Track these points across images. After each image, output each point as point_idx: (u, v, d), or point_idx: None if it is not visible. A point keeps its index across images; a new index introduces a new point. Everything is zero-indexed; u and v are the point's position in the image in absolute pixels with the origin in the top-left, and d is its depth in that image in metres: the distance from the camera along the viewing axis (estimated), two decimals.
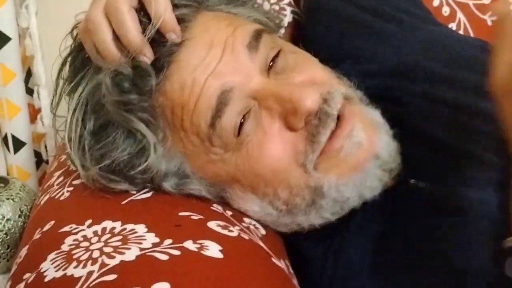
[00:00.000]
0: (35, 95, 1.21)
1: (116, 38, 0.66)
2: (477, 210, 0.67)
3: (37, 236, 0.66)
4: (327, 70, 0.74)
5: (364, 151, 0.68)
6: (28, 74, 1.23)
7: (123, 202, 0.68)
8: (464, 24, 1.04)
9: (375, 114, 0.72)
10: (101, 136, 0.68)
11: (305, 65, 0.72)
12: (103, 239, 0.60)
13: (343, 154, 0.67)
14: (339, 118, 0.68)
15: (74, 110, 0.69)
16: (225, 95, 0.65)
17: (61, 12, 0.91)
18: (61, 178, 0.78)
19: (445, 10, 1.03)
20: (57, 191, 0.75)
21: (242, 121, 0.66)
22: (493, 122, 0.70)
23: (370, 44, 0.85)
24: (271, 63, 0.69)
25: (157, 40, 0.66)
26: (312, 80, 0.70)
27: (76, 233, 0.62)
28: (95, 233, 0.61)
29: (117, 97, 0.66)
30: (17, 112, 1.19)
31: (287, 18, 1.01)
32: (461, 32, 1.04)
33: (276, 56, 0.69)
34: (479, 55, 0.81)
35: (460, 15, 1.04)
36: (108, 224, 0.63)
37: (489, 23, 1.03)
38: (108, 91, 0.66)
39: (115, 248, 0.58)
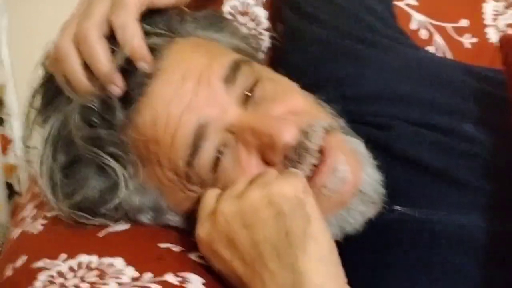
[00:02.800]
0: (7, 125, 1.18)
1: (86, 67, 0.64)
2: (462, 236, 0.66)
3: (9, 272, 0.64)
4: (308, 98, 0.72)
5: (348, 187, 0.65)
6: (0, 104, 1.20)
7: (100, 235, 0.66)
8: (442, 47, 1.03)
9: (358, 145, 0.70)
10: (71, 171, 0.67)
11: (285, 94, 0.70)
12: (79, 274, 0.58)
13: (326, 191, 0.64)
14: (320, 151, 0.65)
15: (45, 143, 0.67)
16: (201, 130, 0.63)
17: (33, 40, 0.89)
18: (35, 211, 0.75)
19: (424, 33, 1.03)
20: (30, 224, 0.72)
21: (218, 156, 0.64)
22: (479, 145, 0.71)
23: (351, 68, 0.83)
24: (249, 93, 0.67)
25: (128, 71, 0.64)
26: (292, 110, 0.68)
27: (50, 269, 0.60)
28: (71, 268, 0.59)
29: (85, 132, 0.64)
30: None
31: (265, 43, 1.00)
32: (439, 55, 1.02)
33: (254, 85, 0.67)
34: (461, 78, 0.81)
35: (438, 37, 1.03)
36: (84, 258, 0.61)
37: (468, 45, 1.03)
38: (75, 126, 0.64)
39: (92, 284, 0.56)
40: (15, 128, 1.17)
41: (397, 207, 0.69)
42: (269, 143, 0.64)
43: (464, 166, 0.70)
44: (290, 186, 0.60)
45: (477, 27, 1.03)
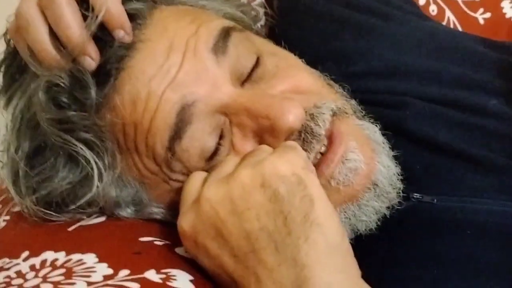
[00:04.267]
0: None
1: (54, 36, 0.56)
2: (490, 224, 0.60)
3: None
4: (315, 76, 0.65)
5: (361, 179, 0.59)
6: None
7: (70, 229, 0.58)
8: (454, 23, 0.97)
9: (374, 131, 0.63)
10: (37, 160, 0.59)
11: (288, 70, 0.62)
12: (41, 273, 0.51)
13: (334, 182, 0.58)
14: (329, 137, 0.59)
15: (8, 128, 0.60)
16: (186, 110, 0.56)
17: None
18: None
19: (432, 9, 0.96)
20: None
21: (219, 143, 0.57)
22: (506, 122, 0.65)
23: (356, 42, 0.76)
24: (247, 71, 0.60)
25: (103, 41, 0.56)
26: (297, 89, 0.61)
27: (8, 269, 0.52)
28: (32, 267, 0.52)
29: (52, 115, 0.56)
30: None
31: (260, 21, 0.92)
32: None
33: (255, 64, 0.60)
34: (481, 49, 0.75)
35: (448, 13, 0.97)
36: (49, 255, 0.53)
37: (481, 21, 0.97)
38: (41, 107, 0.56)
39: (56, 284, 0.49)
40: None
41: (414, 195, 0.63)
42: (268, 127, 0.56)
43: (489, 145, 0.64)
44: (287, 163, 0.52)
45: (491, 1, 0.98)
